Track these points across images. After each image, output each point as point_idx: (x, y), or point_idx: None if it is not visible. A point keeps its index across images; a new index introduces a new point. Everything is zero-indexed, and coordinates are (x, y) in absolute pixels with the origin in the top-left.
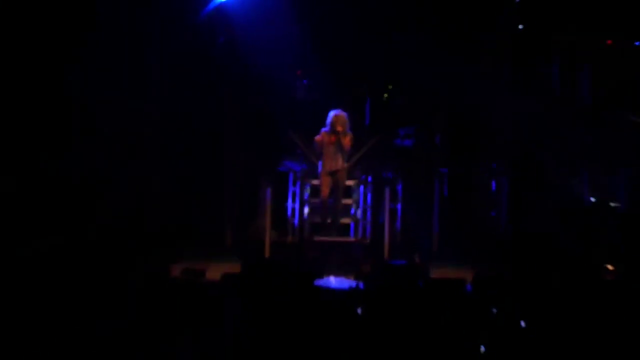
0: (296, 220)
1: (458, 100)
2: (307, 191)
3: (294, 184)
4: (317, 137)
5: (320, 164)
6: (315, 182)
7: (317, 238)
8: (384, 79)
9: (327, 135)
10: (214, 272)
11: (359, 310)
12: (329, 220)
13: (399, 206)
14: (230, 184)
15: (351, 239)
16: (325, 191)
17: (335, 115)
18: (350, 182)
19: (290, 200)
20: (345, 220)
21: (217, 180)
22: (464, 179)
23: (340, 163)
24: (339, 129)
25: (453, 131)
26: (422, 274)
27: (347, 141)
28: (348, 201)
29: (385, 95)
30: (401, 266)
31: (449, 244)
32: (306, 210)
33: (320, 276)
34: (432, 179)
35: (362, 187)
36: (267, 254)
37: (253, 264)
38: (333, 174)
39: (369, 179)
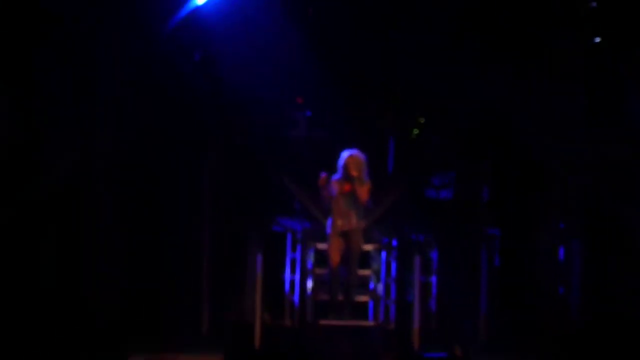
0: (296, 298)
1: (512, 138)
2: (311, 258)
3: (294, 249)
4: (325, 185)
5: (329, 222)
6: (321, 246)
7: (323, 322)
8: (413, 109)
9: (339, 184)
10: None
11: None
12: (340, 298)
13: (433, 279)
14: (208, 249)
15: (369, 322)
16: (336, 258)
17: (350, 157)
18: (368, 247)
19: (288, 271)
20: (362, 298)
21: (191, 244)
22: (521, 244)
23: (354, 221)
24: (355, 174)
25: (505, 180)
26: None
27: (364, 192)
28: (366, 272)
29: (415, 131)
30: None
31: (501, 332)
32: (309, 283)
33: None
34: (478, 243)
35: (384, 254)
36: (257, 342)
37: (239, 356)
38: (346, 235)
39: (394, 242)
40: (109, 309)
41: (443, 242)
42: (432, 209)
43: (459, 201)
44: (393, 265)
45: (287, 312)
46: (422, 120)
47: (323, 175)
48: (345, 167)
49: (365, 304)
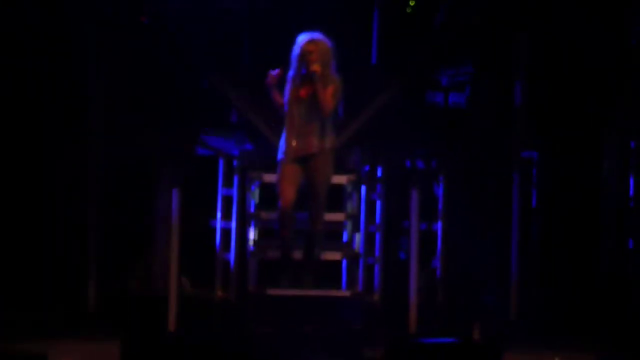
0: (231, 256)
1: (559, 9)
2: (254, 196)
3: (227, 183)
4: (276, 86)
5: (281, 142)
6: (269, 177)
7: (272, 291)
8: None
9: (293, 86)
10: (65, 358)
11: None
12: (296, 255)
13: (438, 227)
14: (96, 184)
15: (342, 292)
16: (289, 196)
17: (309, 43)
18: (340, 179)
19: (219, 216)
20: (331, 256)
21: (70, 176)
22: (571, 173)
23: (316, 140)
24: (316, 69)
25: (547, 76)
26: None
27: (330, 95)
28: (337, 216)
29: (412, 2)
30: (445, 348)
31: (540, 307)
32: (252, 234)
33: None
34: (506, 173)
35: (364, 189)
36: (171, 322)
37: (144, 342)
38: (304, 161)
39: (379, 171)
40: None
41: (453, 171)
42: (436, 122)
43: (476, 109)
44: (378, 206)
45: (218, 277)
46: None
47: (274, 72)
48: (302, 58)
49: (336, 264)
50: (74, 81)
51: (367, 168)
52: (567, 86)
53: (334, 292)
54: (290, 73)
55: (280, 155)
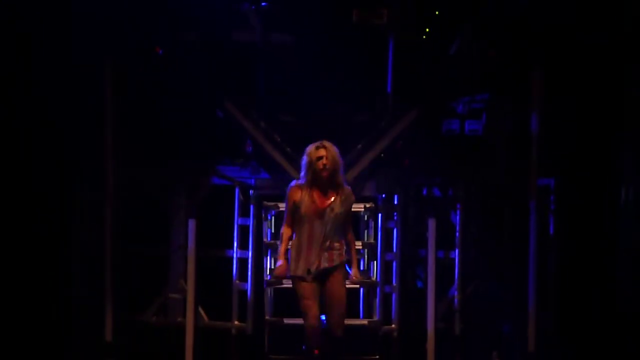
0: (248, 287)
1: (579, 35)
2: (270, 225)
3: (243, 212)
4: (291, 192)
5: (298, 255)
6: (283, 206)
7: (289, 320)
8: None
9: (307, 195)
10: None
11: None
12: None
13: (455, 254)
14: (111, 212)
15: (360, 321)
16: (315, 311)
17: (319, 148)
18: (357, 207)
19: (235, 245)
20: (349, 284)
21: (90, 203)
22: (590, 201)
23: (336, 255)
24: (325, 174)
25: (567, 104)
26: None
27: (346, 208)
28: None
29: (427, 30)
30: None
31: (559, 338)
32: (269, 263)
33: None
34: (524, 200)
35: (380, 217)
36: (188, 355)
37: None
38: (324, 274)
39: (395, 199)
40: None
41: (470, 200)
42: (452, 149)
43: (493, 137)
44: (395, 234)
45: (234, 306)
46: (437, 13)
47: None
48: (311, 164)
49: (353, 292)
50: (91, 113)
51: (383, 196)
52: (584, 113)
53: (351, 321)
54: (301, 181)
55: (298, 272)
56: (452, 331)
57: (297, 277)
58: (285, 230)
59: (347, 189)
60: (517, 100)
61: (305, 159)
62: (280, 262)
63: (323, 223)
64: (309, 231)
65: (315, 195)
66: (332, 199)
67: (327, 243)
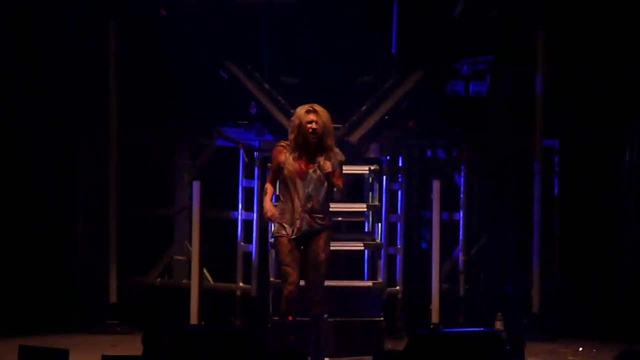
0: (253, 248)
1: None
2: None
3: (248, 174)
4: (276, 152)
5: (281, 215)
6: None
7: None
8: None
9: (293, 157)
10: (86, 354)
11: None
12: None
13: (460, 216)
14: (116, 172)
15: (365, 282)
16: (296, 276)
17: (309, 112)
18: (361, 169)
19: (240, 207)
20: (353, 246)
21: (94, 165)
22: (597, 162)
23: (320, 218)
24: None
25: (577, 62)
26: (510, 356)
27: (339, 175)
28: (358, 207)
29: None
30: (467, 338)
31: (564, 299)
32: (272, 225)
33: None
34: (529, 160)
35: (385, 178)
36: (193, 317)
37: (166, 340)
38: (306, 237)
39: (399, 161)
40: None
41: (474, 161)
42: (457, 111)
43: (499, 99)
44: (399, 196)
45: (239, 268)
46: None
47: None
48: (302, 128)
49: (358, 254)
50: (94, 75)
51: (388, 158)
52: (589, 74)
53: (355, 283)
54: (288, 142)
55: (279, 232)
56: (457, 292)
57: (279, 236)
58: (267, 186)
59: (337, 150)
60: (521, 61)
61: (294, 121)
62: (267, 208)
63: (305, 184)
64: (292, 193)
65: (301, 157)
66: (318, 160)
67: (310, 205)
